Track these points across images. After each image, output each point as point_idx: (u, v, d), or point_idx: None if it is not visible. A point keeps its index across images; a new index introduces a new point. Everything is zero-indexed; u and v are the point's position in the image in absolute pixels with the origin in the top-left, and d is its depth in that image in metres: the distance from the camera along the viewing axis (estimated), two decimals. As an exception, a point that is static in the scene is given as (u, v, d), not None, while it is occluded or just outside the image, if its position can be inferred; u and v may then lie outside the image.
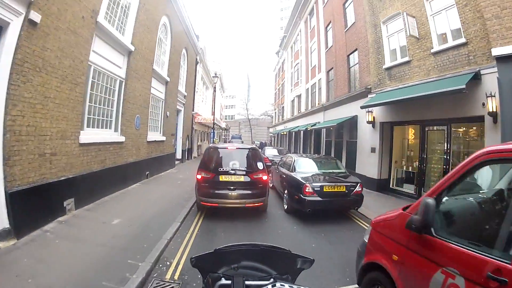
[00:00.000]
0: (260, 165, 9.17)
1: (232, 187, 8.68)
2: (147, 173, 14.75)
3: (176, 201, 10.52)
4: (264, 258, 2.39)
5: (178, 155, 23.28)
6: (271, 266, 2.37)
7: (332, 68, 22.22)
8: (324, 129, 22.76)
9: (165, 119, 18.12)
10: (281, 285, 1.93)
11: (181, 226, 8.08)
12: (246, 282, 2.11)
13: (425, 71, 11.72)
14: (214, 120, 27.92)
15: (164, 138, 17.75)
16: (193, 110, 27.70)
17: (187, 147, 25.96)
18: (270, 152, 21.41)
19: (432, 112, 11.33)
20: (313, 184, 8.96)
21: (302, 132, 30.78)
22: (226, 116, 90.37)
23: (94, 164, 9.45)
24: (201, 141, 35.59)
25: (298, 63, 35.33)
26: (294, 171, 10.33)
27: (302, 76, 32.84)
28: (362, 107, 14.20)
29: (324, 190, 8.95)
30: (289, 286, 1.94)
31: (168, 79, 18.04)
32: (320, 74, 25.41)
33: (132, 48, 11.88)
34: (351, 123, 17.68)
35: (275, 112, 59.34)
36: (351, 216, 10.16)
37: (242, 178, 8.81)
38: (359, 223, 9.45)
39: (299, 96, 34.86)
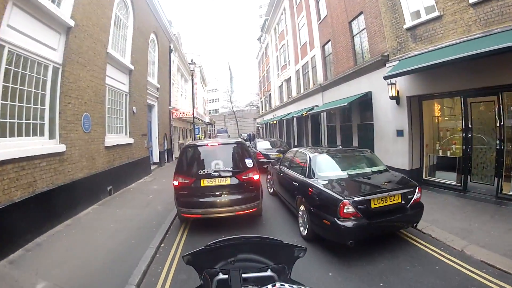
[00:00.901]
0: (249, 163, 7.65)
1: (217, 193, 7.28)
2: (109, 188, 11.32)
3: (146, 227, 7.77)
4: (259, 250, 2.42)
5: (155, 158, 19.81)
6: (267, 257, 2.36)
7: (329, 40, 18.87)
8: (324, 113, 19.39)
9: (132, 116, 14.56)
10: (281, 285, 1.78)
11: (153, 262, 5.86)
12: (244, 275, 2.09)
13: (464, 27, 8.88)
14: (194, 113, 24.05)
15: (131, 141, 14.21)
16: (170, 105, 23.98)
17: (165, 147, 22.33)
18: (263, 145, 17.92)
19: (477, 79, 8.52)
20: (354, 198, 5.49)
21: (295, 119, 27.36)
22: (210, 110, 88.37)
23: (14, 191, 6.28)
24: (183, 139, 31.89)
25: (284, 44, 31.97)
26: (313, 176, 6.84)
27: (290, 57, 29.45)
28: (386, 78, 10.76)
29: (372, 205, 5.53)
30: (289, 286, 1.77)
31: (132, 67, 14.47)
32: (313, 50, 21.98)
33: (72, 23, 8.70)
34: (362, 102, 14.32)
35: (261, 101, 55.98)
36: (404, 236, 6.73)
37: (228, 181, 7.38)
38: (423, 247, 6.12)
39: (288, 80, 31.50)
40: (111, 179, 11.54)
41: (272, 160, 11.70)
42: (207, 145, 8.04)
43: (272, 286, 1.75)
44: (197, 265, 2.35)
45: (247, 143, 45.91)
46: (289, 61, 30.03)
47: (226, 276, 2.12)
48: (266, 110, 48.32)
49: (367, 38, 14.51)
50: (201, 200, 7.27)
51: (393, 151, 11.89)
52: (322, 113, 19.60)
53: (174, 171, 7.65)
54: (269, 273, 2.22)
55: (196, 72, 52.41)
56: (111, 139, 12.03)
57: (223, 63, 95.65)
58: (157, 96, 20.07)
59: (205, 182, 7.30)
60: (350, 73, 15.59)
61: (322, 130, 20.08)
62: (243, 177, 7.43)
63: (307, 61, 23.68)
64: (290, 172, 8.31)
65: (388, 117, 12.41)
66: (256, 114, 76.00)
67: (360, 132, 15.45)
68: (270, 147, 17.53)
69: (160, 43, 20.87)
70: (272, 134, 43.28)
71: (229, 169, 7.51)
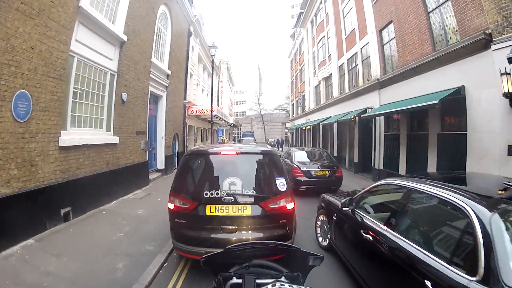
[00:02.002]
0: (281, 184, 5.29)
1: (230, 227, 5.03)
2: (64, 211, 7.58)
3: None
4: (275, 256, 2.42)
5: (159, 163, 15.88)
6: (282, 264, 2.37)
7: (390, 22, 14.45)
8: (381, 118, 14.84)
9: (120, 106, 10.68)
10: (281, 284, 1.88)
11: None
12: (258, 281, 2.10)
13: None
14: (212, 109, 19.95)
15: (115, 139, 10.31)
16: (185, 99, 19.95)
17: (175, 150, 18.30)
18: (300, 157, 13.33)
19: None
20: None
21: (335, 125, 22.72)
22: (236, 112, 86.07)
23: None
24: (201, 141, 27.67)
25: (323, 36, 27.59)
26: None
27: (331, 50, 24.89)
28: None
29: None
30: (289, 286, 1.88)
31: (125, 38, 10.66)
32: (365, 38, 17.51)
33: None
34: (447, 103, 9.78)
35: (292, 104, 51.49)
36: None
37: (248, 210, 5.08)
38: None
39: (327, 78, 27.00)
40: (70, 197, 7.80)
41: (328, 199, 6.67)
42: (219, 153, 5.71)
43: (272, 286, 1.85)
44: (212, 267, 2.35)
45: (278, 150, 41.60)
46: (329, 56, 25.53)
47: (240, 280, 2.13)
48: (297, 114, 43.67)
49: (453, 12, 10.23)
50: (205, 235, 5.10)
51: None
52: (377, 118, 15.07)
53: (170, 189, 5.51)
54: (282, 279, 2.18)
55: (222, 70, 49.80)
56: (76, 136, 8.24)
57: (252, 64, 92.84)
58: (167, 85, 16.12)
59: (212, 210, 5.16)
60: (426, 61, 11.23)
61: (376, 140, 15.49)
62: (271, 206, 5.19)
63: (356, 53, 19.17)
64: (403, 245, 3.62)
65: (495, 126, 8.46)
66: (285, 118, 73.53)
67: (441, 146, 10.89)
68: (310, 160, 13.12)
69: (174, 21, 16.91)
70: (304, 142, 38.60)
71: (250, 192, 5.22)
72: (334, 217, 5.75)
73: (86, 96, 8.98)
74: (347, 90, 20.80)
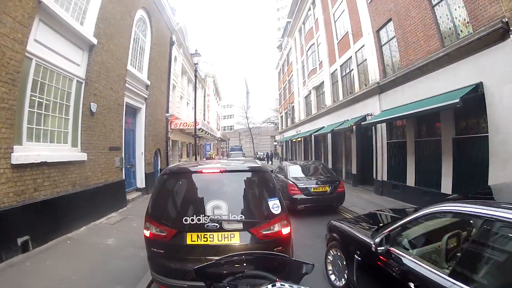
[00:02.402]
0: (274, 206, 4.54)
1: (215, 257, 3.71)
2: (22, 240, 6.42)
3: None
4: (267, 266, 2.41)
5: (139, 182, 14.35)
6: (274, 273, 2.30)
7: (389, 21, 13.37)
8: (383, 125, 13.63)
9: (89, 118, 9.30)
10: (281, 284, 1.88)
11: None
12: None
13: None
14: (196, 123, 18.56)
15: (83, 157, 8.93)
16: (167, 112, 18.52)
17: (159, 167, 16.81)
18: (295, 172, 11.91)
19: None
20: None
21: (329, 135, 21.44)
22: (224, 127, 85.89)
23: None
24: (187, 156, 26.13)
25: (313, 44, 26.48)
26: None
27: (322, 57, 23.77)
28: None
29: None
30: (289, 286, 1.88)
31: (95, 41, 9.37)
32: (360, 40, 16.40)
33: None
34: (463, 103, 8.34)
35: (281, 117, 50.21)
36: None
37: (236, 238, 4.35)
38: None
39: (318, 87, 25.85)
40: (28, 224, 6.62)
41: (343, 229, 5.21)
42: (201, 171, 4.91)
43: (272, 286, 1.85)
44: (206, 278, 2.36)
45: (267, 164, 40.11)
46: (320, 63, 24.45)
47: None
48: (287, 126, 42.33)
49: (462, 2, 9.27)
50: (187, 267, 4.16)
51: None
52: (378, 125, 13.87)
53: (146, 213, 4.71)
54: (278, 285, 2.02)
55: (208, 83, 48.67)
56: (33, 152, 6.91)
57: (239, 77, 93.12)
58: (146, 96, 14.69)
59: (194, 238, 4.33)
60: (434, 59, 10.08)
61: (377, 149, 14.23)
62: (263, 232, 4.39)
63: (350, 57, 18.04)
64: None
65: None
66: (273, 131, 73.17)
67: (457, 151, 9.66)
68: (307, 175, 11.75)
69: (154, 28, 15.63)
70: (295, 154, 37.22)
71: (238, 217, 4.39)
72: (357, 256, 4.34)
73: (46, 106, 7.64)
74: (341, 97, 19.60)
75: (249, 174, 4.98)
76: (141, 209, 10.72)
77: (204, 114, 41.64)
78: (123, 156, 11.91)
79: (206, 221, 4.35)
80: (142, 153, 14.28)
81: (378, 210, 6.47)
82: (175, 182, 4.85)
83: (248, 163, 5.52)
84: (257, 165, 5.17)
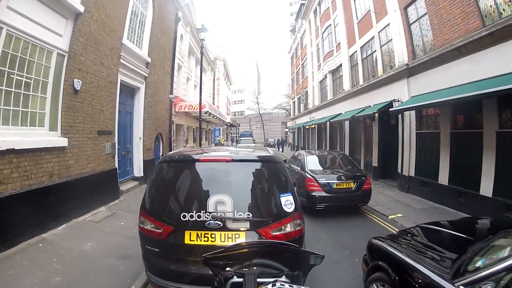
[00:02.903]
0: (287, 203, 4.02)
1: None
2: None
3: None
4: (275, 256, 2.37)
5: (137, 170, 13.11)
6: (283, 263, 2.33)
7: (420, -6, 11.64)
8: (411, 113, 12.13)
9: (71, 96, 8.00)
10: (281, 284, 1.83)
11: None
12: (258, 280, 2.07)
13: None
14: (201, 105, 17.23)
15: (63, 142, 7.68)
16: (171, 94, 17.16)
17: (160, 153, 15.55)
18: (314, 163, 10.39)
19: None
20: None
21: (346, 122, 19.97)
22: (235, 112, 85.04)
23: None
24: (193, 142, 24.79)
25: (330, 25, 24.73)
26: None
27: (340, 38, 22.02)
28: None
29: None
30: (289, 286, 1.82)
31: (82, 8, 8.04)
32: (384, 19, 14.77)
33: None
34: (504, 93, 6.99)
35: (293, 102, 48.72)
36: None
37: (241, 238, 3.88)
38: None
39: (335, 71, 24.22)
40: None
41: (399, 259, 3.59)
42: (204, 160, 4.31)
43: (272, 286, 1.81)
44: (214, 266, 2.34)
45: (277, 151, 38.55)
46: (337, 45, 22.75)
47: (241, 279, 2.11)
48: (299, 112, 40.81)
49: None
50: (185, 269, 3.89)
51: None
52: (406, 114, 12.38)
53: (140, 206, 4.23)
54: (283, 279, 2.12)
55: (219, 66, 47.16)
56: None
57: (250, 62, 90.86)
58: (146, 75, 13.36)
59: (193, 237, 3.88)
60: (475, 39, 8.61)
61: (403, 140, 12.71)
62: (273, 233, 3.88)
63: (372, 38, 16.37)
64: None
65: None
66: (284, 118, 71.91)
67: (501, 147, 8.22)
68: (327, 168, 10.26)
69: (157, 1, 14.14)
70: (307, 142, 35.69)
71: (244, 214, 3.86)
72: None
73: (18, 82, 6.38)
74: (361, 81, 17.97)
75: (259, 165, 4.39)
76: (135, 202, 9.55)
77: (213, 98, 40.24)
78: (116, 141, 10.65)
79: (207, 218, 3.88)
80: (140, 138, 12.99)
81: (433, 224, 4.88)
82: (174, 171, 4.33)
83: (259, 152, 4.90)
84: (268, 154, 4.59)
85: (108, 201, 9.63)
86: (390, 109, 12.14)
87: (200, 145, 19.11)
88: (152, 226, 4.04)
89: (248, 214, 3.89)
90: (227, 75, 57.36)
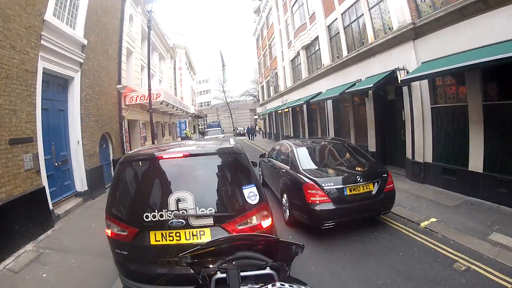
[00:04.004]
0: (251, 194, 4.07)
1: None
2: None
3: None
4: (257, 248, 2.32)
5: (79, 183, 10.27)
6: (266, 254, 2.26)
7: None
8: (424, 84, 9.79)
9: None
10: (281, 284, 1.71)
11: None
12: (242, 273, 2.02)
13: None
14: (150, 94, 14.45)
15: None
16: (119, 83, 14.25)
17: (111, 157, 12.74)
18: (309, 160, 7.60)
19: None
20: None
21: (329, 104, 17.56)
22: (201, 103, 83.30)
23: None
24: (153, 139, 21.77)
25: (301, -6, 22.13)
26: None
27: (314, 7, 19.41)
28: None
29: None
30: (289, 286, 1.71)
31: None
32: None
33: None
34: None
35: (262, 87, 46.06)
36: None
37: (206, 236, 3.90)
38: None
39: (309, 47, 21.80)
40: None
41: None
42: (160, 157, 4.20)
43: (272, 286, 1.73)
44: (194, 264, 2.24)
45: (248, 140, 36.23)
46: (311, 16, 20.17)
47: (225, 275, 2.03)
48: (269, 97, 38.27)
49: None
50: (156, 271, 3.98)
51: None
52: (415, 86, 10.08)
53: (105, 208, 4.27)
54: (268, 270, 2.10)
55: (180, 55, 44.03)
56: None
57: (213, 51, 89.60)
58: (81, 61, 10.38)
59: (158, 238, 3.91)
60: None
61: (412, 118, 10.36)
62: (239, 227, 3.95)
63: (356, 1, 13.86)
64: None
65: None
66: (253, 104, 72.01)
67: None
68: (330, 165, 7.56)
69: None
70: (281, 129, 33.21)
71: (206, 210, 3.89)
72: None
73: None
74: (345, 53, 15.54)
75: (219, 158, 4.41)
76: (75, 231, 7.64)
77: (175, 89, 37.17)
78: (41, 150, 7.83)
79: (170, 217, 3.84)
80: (78, 141, 10.10)
81: None
82: (133, 171, 4.28)
83: (218, 144, 5.21)
84: (228, 146, 4.69)
85: (37, 233, 7.02)
86: (402, 78, 9.48)
87: (153, 142, 16.34)
88: (117, 229, 4.03)
89: (210, 210, 3.87)
90: (190, 64, 54.50)
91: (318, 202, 6.17)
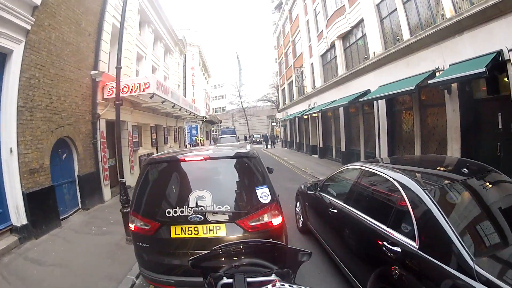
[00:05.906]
0: (263, 195, 4.43)
1: (201, 251, 3.52)
2: None
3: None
4: (263, 254, 2.44)
5: (14, 213, 6.81)
6: (272, 261, 2.39)
7: None
8: None
9: None
10: (281, 284, 1.88)
11: None
12: (248, 279, 2.14)
13: None
14: (119, 74, 9.75)
15: None
16: (94, 69, 10.92)
17: (76, 173, 9.37)
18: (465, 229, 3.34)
19: None
20: None
21: (379, 105, 13.78)
22: (216, 108, 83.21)
23: None
24: (152, 146, 18.20)
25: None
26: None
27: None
28: None
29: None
30: (289, 286, 1.86)
31: None
32: None
33: None
34: None
35: (283, 90, 42.48)
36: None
37: (222, 230, 4.27)
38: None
39: (347, 35, 18.16)
40: None
41: None
42: (183, 160, 4.73)
43: (272, 286, 1.84)
44: (202, 269, 2.36)
45: (266, 149, 32.67)
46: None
47: (231, 280, 2.16)
48: (292, 100, 34.54)
49: None
50: (174, 262, 4.31)
51: None
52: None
53: (130, 206, 4.98)
54: (273, 277, 2.20)
55: (193, 54, 41.23)
56: None
57: (230, 54, 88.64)
58: (28, 27, 7.12)
59: (178, 231, 4.31)
60: None
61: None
62: (252, 224, 4.27)
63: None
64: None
65: None
66: (270, 110, 71.21)
67: None
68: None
69: None
70: (305, 137, 29.51)
71: (223, 207, 4.28)
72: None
73: None
74: (406, 36, 11.72)
75: (235, 161, 4.83)
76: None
77: (184, 89, 34.09)
78: None
79: (189, 213, 4.27)
80: (11, 149, 6.67)
81: None
82: (157, 171, 4.77)
83: (236, 149, 5.41)
84: (244, 151, 5.00)
85: None
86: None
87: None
88: (141, 223, 4.44)
89: (226, 207, 4.27)
90: (204, 65, 52.69)
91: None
